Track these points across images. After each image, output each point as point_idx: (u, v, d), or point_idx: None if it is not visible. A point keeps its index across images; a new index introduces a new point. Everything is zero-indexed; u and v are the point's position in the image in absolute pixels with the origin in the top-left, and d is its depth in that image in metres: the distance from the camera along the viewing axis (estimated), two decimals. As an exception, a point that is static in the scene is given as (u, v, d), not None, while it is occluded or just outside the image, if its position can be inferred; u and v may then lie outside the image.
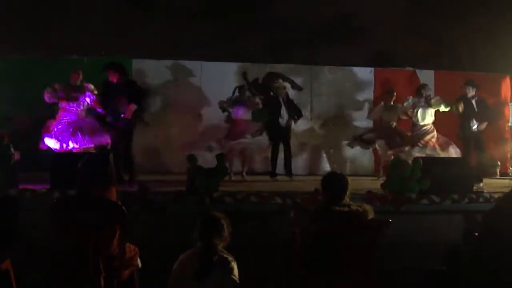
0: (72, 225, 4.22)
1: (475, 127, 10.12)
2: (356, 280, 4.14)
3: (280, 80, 10.71)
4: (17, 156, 7.74)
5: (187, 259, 3.98)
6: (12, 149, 7.63)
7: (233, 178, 9.69)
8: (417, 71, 12.27)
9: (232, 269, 3.89)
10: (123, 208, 4.42)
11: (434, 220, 7.19)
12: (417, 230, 6.96)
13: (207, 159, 8.40)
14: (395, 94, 10.50)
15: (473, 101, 10.14)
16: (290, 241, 4.30)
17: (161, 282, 5.12)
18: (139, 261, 4.80)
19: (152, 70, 11.18)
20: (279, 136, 10.12)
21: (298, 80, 11.61)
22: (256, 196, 7.27)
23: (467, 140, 10.13)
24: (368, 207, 4.27)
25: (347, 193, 4.36)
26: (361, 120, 11.67)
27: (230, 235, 4.09)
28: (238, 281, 3.88)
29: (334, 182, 4.43)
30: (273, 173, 10.13)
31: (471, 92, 10.16)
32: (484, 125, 10.20)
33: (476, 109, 10.12)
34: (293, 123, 10.24)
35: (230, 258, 3.95)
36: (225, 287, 3.83)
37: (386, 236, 4.23)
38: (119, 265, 4.39)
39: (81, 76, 9.23)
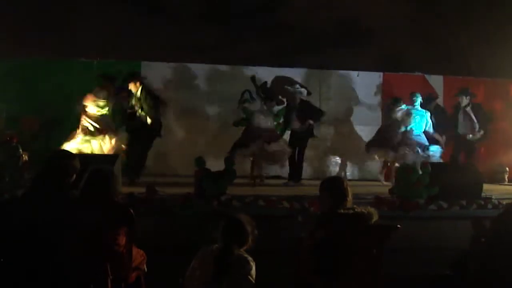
0: (79, 227, 4.23)
1: (470, 135, 10.30)
2: (362, 285, 4.13)
3: (297, 86, 10.62)
4: (25, 157, 7.77)
5: (204, 258, 3.98)
6: (20, 150, 7.65)
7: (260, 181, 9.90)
8: (426, 76, 12.24)
9: (249, 269, 3.89)
10: (131, 210, 4.43)
11: (442, 226, 7.15)
12: (424, 235, 6.92)
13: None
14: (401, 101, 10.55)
15: (468, 109, 10.24)
16: (297, 246, 4.28)
17: (167, 285, 5.12)
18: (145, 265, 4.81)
19: (160, 73, 11.19)
20: (293, 141, 10.15)
21: (307, 85, 11.58)
22: (264, 200, 7.26)
23: (458, 148, 10.30)
24: (372, 209, 4.25)
25: (350, 195, 4.34)
26: (369, 125, 11.64)
27: (254, 239, 4.08)
28: (254, 282, 3.89)
29: (335, 185, 4.42)
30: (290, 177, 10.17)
31: (464, 101, 10.27)
32: (479, 134, 10.36)
33: (474, 117, 10.23)
34: (313, 125, 10.24)
35: (249, 258, 3.94)
36: (240, 286, 3.84)
37: (394, 241, 4.21)
38: (127, 267, 4.40)
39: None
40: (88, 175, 4.50)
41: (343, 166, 11.93)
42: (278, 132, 10.22)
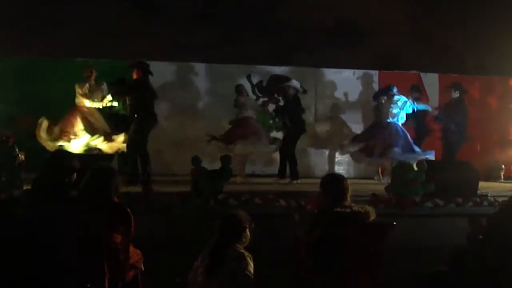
0: (77, 226, 4.24)
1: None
2: (361, 283, 4.13)
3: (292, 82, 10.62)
4: (21, 157, 7.76)
5: (205, 256, 4.02)
6: (17, 150, 7.64)
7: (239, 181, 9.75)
8: (422, 74, 12.25)
9: (247, 264, 3.92)
10: (128, 210, 4.43)
11: (438, 223, 7.17)
12: (421, 233, 6.94)
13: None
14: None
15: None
16: (295, 244, 4.29)
17: (164, 284, 5.13)
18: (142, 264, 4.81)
19: (157, 72, 11.18)
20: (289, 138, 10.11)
21: (303, 83, 11.57)
22: (261, 198, 7.27)
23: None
24: (369, 208, 4.25)
25: (348, 194, 4.35)
26: (364, 123, 11.66)
27: (251, 235, 4.11)
28: (252, 277, 3.91)
29: (334, 183, 4.42)
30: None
31: (454, 95, 10.24)
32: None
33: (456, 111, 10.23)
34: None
35: (246, 254, 3.98)
36: (238, 282, 3.86)
37: (390, 239, 4.22)
38: (124, 267, 4.40)
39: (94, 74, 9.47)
40: (89, 175, 4.50)
41: (338, 164, 11.94)
42: (275, 131, 10.24)
